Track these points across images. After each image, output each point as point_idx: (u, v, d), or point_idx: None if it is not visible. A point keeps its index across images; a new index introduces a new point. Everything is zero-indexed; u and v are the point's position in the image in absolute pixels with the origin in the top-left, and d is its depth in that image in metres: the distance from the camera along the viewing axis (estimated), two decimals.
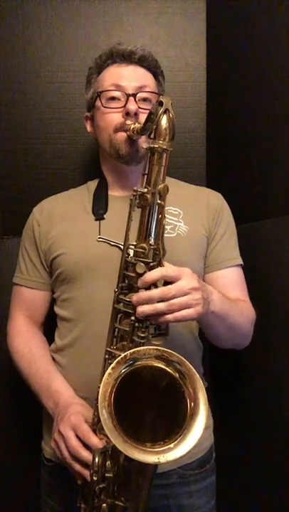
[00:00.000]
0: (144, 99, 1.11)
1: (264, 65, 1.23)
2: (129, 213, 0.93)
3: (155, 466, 0.90)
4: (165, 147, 0.89)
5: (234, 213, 1.22)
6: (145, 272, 0.87)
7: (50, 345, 1.19)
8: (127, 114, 1.08)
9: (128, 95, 1.09)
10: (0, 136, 1.44)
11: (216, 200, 1.21)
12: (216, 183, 1.40)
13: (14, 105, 1.44)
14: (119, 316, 0.94)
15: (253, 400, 1.27)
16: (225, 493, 1.23)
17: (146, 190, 0.89)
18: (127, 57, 1.13)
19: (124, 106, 1.09)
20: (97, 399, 0.93)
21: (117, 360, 0.82)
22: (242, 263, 1.19)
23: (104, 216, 1.14)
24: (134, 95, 1.09)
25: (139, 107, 1.09)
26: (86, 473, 0.91)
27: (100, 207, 1.16)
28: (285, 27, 1.13)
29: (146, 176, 0.91)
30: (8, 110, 1.44)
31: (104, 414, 0.77)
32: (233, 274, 1.17)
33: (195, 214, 1.17)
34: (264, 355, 1.20)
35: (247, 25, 1.31)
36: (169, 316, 0.85)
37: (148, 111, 0.93)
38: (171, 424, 0.81)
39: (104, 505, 0.91)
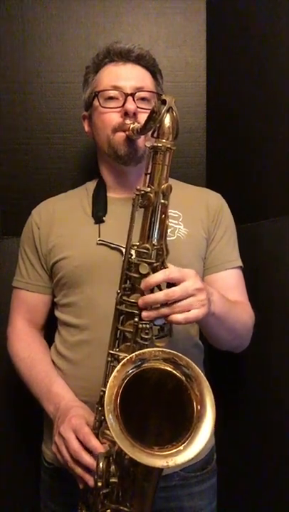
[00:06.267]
0: (143, 99, 1.10)
1: (264, 65, 1.23)
2: (132, 213, 0.92)
3: (161, 470, 0.88)
4: (169, 146, 0.87)
5: (234, 213, 1.22)
6: (149, 273, 0.86)
7: (50, 347, 1.19)
8: (126, 114, 1.07)
9: (126, 95, 1.08)
10: (0, 136, 1.44)
11: (215, 201, 1.20)
12: (216, 183, 1.40)
13: (14, 105, 1.44)
14: (121, 317, 0.92)
15: (253, 401, 1.27)
16: (226, 495, 1.23)
17: (149, 189, 0.88)
18: (125, 56, 1.11)
19: (123, 106, 1.08)
20: (98, 402, 0.93)
21: (122, 362, 0.81)
22: (242, 265, 1.18)
23: (104, 219, 1.12)
24: (132, 95, 1.08)
25: (138, 107, 1.07)
26: (88, 477, 0.90)
27: (99, 210, 1.14)
28: (285, 27, 1.13)
29: (148, 176, 0.90)
30: (8, 110, 1.44)
31: (110, 418, 0.76)
32: (233, 277, 1.16)
33: (195, 216, 1.16)
34: (264, 355, 1.19)
35: (247, 25, 1.31)
36: (178, 317, 0.84)
37: (147, 110, 0.91)
38: (177, 428, 0.80)
39: (108, 510, 0.89)
